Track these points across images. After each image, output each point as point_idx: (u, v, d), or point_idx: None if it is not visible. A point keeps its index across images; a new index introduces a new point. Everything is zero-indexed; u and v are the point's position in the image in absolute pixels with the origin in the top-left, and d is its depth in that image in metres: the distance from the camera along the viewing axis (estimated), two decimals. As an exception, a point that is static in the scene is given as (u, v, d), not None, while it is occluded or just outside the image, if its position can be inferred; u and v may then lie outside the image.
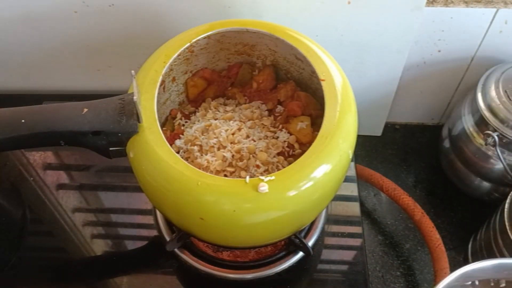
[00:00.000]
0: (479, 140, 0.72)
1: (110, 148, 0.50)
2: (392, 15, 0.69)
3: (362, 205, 0.77)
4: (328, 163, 0.49)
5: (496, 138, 0.67)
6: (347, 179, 0.55)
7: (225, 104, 0.63)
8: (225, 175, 0.53)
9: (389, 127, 0.91)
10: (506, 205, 0.63)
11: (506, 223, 0.61)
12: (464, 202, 0.79)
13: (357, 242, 0.68)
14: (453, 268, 0.68)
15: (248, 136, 0.56)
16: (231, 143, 0.55)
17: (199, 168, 0.51)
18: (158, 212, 0.68)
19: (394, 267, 0.72)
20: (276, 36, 0.57)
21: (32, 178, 0.75)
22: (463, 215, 0.78)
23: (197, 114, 0.62)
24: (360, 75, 0.79)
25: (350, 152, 0.51)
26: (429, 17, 0.71)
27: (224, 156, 0.54)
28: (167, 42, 0.58)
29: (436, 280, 0.66)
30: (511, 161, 0.69)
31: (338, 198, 0.70)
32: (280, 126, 0.58)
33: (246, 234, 0.52)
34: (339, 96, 0.52)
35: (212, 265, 0.64)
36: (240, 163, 0.54)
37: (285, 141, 0.56)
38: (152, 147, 0.48)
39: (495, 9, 0.69)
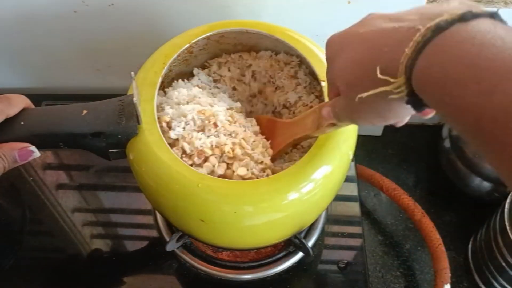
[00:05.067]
0: (479, 140, 0.71)
1: (110, 150, 0.50)
2: (392, 15, 0.69)
3: (362, 205, 0.77)
4: (328, 164, 0.48)
5: (496, 138, 0.67)
6: (347, 179, 0.55)
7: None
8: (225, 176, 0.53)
9: (389, 127, 0.90)
10: (506, 205, 0.63)
11: (506, 223, 0.61)
12: (464, 202, 0.79)
13: (357, 242, 0.68)
14: (453, 268, 0.68)
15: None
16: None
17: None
18: (158, 212, 0.68)
19: (394, 267, 0.72)
20: (275, 37, 0.57)
21: (31, 178, 0.75)
22: (463, 215, 0.78)
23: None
24: (360, 75, 0.79)
25: (350, 153, 0.51)
26: (429, 17, 0.71)
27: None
28: (166, 43, 0.57)
29: (436, 280, 0.66)
30: (511, 161, 0.69)
31: (338, 198, 0.70)
32: None
33: (246, 236, 0.52)
34: (339, 96, 0.52)
35: (211, 265, 0.64)
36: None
37: None
38: (152, 148, 0.48)
39: (495, 9, 0.69)
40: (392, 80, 0.31)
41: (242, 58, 0.62)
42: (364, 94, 0.33)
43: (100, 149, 0.50)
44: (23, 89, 0.88)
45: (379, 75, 0.31)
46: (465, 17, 0.29)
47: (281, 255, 0.65)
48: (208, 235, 0.53)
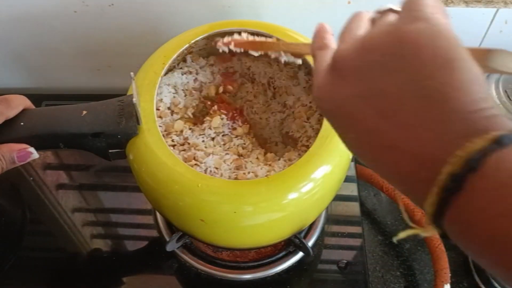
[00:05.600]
0: (479, 140, 0.71)
1: (110, 150, 0.50)
2: (392, 15, 0.69)
3: (362, 205, 0.77)
4: (328, 164, 0.49)
5: (496, 138, 0.67)
6: (347, 179, 0.55)
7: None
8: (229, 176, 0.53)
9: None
10: (506, 205, 0.63)
11: (506, 223, 0.61)
12: (464, 201, 0.78)
13: (357, 242, 0.68)
14: (453, 268, 0.68)
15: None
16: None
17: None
18: (158, 212, 0.68)
19: (394, 267, 0.72)
20: (275, 37, 0.57)
21: (32, 178, 0.75)
22: (463, 214, 0.78)
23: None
24: (360, 75, 0.79)
25: (350, 153, 0.51)
26: (429, 17, 0.71)
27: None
28: (166, 43, 0.57)
29: (436, 280, 0.66)
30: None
31: (338, 198, 0.70)
32: None
33: (246, 236, 0.52)
34: (339, 96, 0.52)
35: (212, 265, 0.64)
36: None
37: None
38: (151, 149, 0.48)
39: (495, 9, 0.69)
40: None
41: (241, 62, 0.62)
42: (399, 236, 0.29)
43: (100, 149, 0.50)
44: (23, 89, 0.88)
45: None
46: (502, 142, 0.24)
47: (281, 255, 0.65)
48: (208, 235, 0.53)
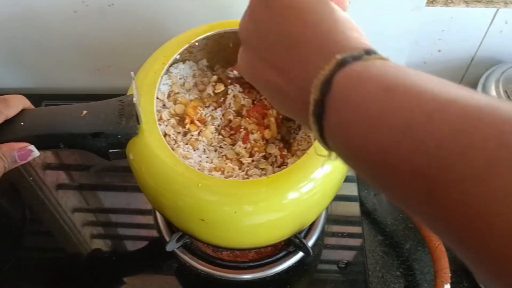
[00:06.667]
0: (479, 140, 0.71)
1: (110, 150, 0.50)
2: (392, 15, 0.69)
3: (362, 205, 0.77)
4: (328, 164, 0.49)
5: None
6: (347, 179, 0.55)
7: None
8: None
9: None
10: (506, 205, 0.63)
11: (506, 224, 0.61)
12: (464, 201, 0.79)
13: (357, 242, 0.68)
14: (453, 268, 0.68)
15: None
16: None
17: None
18: (158, 212, 0.68)
19: (394, 267, 0.72)
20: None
21: (31, 178, 0.75)
22: (463, 215, 0.78)
23: None
24: (360, 75, 0.79)
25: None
26: (429, 17, 0.71)
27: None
28: (166, 43, 0.57)
29: (436, 280, 0.66)
30: None
31: (338, 198, 0.70)
32: None
33: (246, 236, 0.52)
34: (339, 96, 0.52)
35: (212, 265, 0.64)
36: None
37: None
38: (152, 148, 0.48)
39: (495, 9, 0.69)
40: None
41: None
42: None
43: (100, 149, 0.50)
44: (23, 89, 0.88)
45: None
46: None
47: (281, 255, 0.65)
48: (208, 235, 0.53)
